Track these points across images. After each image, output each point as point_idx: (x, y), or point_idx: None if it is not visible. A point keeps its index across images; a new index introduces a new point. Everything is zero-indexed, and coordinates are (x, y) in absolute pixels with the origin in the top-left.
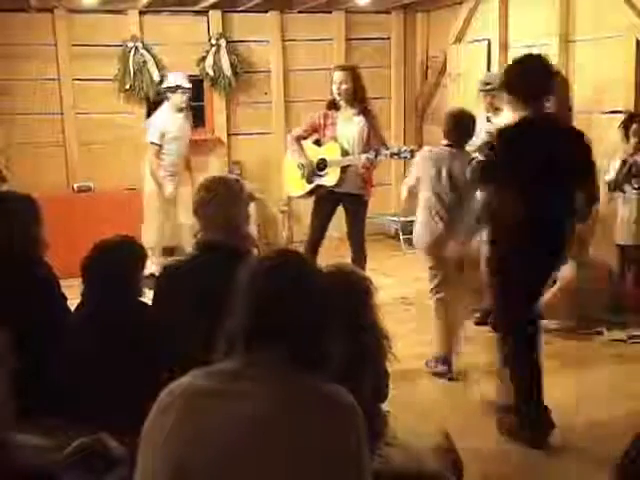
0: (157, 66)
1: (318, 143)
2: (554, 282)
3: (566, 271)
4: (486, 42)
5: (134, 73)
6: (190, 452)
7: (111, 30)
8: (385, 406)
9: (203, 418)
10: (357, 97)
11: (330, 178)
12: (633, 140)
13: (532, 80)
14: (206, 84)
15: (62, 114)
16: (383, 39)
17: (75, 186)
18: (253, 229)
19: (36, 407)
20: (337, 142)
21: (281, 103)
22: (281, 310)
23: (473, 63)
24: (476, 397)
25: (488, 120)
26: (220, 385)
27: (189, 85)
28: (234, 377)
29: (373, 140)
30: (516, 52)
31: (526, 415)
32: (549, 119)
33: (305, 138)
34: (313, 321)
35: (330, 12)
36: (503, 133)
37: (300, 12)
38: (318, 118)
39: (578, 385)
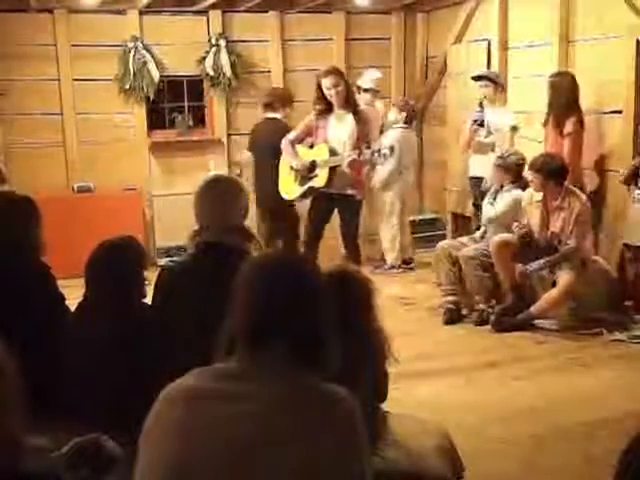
0: (157, 66)
1: (311, 146)
2: (554, 283)
3: (566, 272)
4: (486, 42)
5: (134, 73)
6: (191, 452)
7: (111, 30)
8: (385, 406)
9: (204, 418)
10: (349, 97)
11: (320, 179)
12: None
13: None
14: (206, 84)
15: (62, 114)
16: (383, 39)
17: (75, 186)
18: (253, 229)
19: (35, 406)
20: (326, 144)
21: None
22: (282, 310)
23: (473, 63)
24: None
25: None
26: (221, 385)
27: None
28: (235, 377)
29: (361, 139)
30: (516, 52)
31: None
32: None
33: (300, 142)
34: (313, 321)
35: (330, 12)
36: None
37: (300, 12)
38: (311, 121)
39: (578, 385)
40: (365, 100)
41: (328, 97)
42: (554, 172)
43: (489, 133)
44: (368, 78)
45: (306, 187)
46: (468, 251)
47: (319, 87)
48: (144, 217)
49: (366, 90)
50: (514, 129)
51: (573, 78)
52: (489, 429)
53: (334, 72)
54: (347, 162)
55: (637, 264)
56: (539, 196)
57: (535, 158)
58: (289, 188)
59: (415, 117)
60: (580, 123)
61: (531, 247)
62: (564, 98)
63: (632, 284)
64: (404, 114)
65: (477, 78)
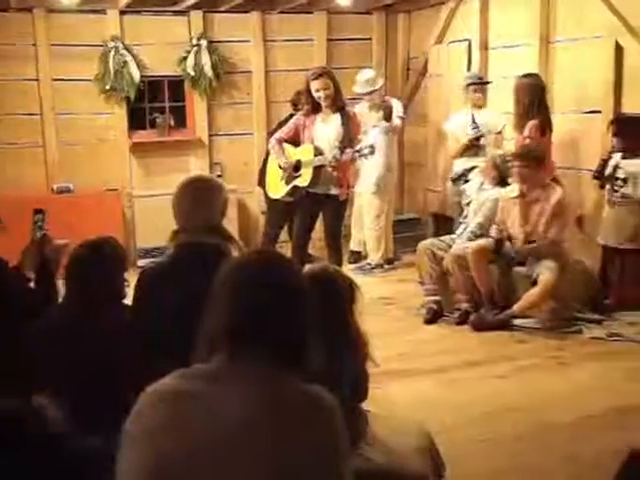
0: (138, 66)
1: (298, 145)
2: (535, 282)
3: (546, 271)
4: (466, 43)
5: (114, 73)
6: (171, 454)
7: (91, 30)
8: (365, 406)
9: (185, 420)
10: (337, 98)
11: (303, 179)
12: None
13: None
14: (187, 84)
15: (41, 114)
16: (364, 40)
17: (54, 187)
18: (233, 229)
19: None
20: (312, 143)
21: (262, 103)
22: (262, 311)
23: (454, 64)
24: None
25: (473, 120)
26: (201, 386)
27: (362, 90)
28: (216, 378)
29: (345, 139)
30: (496, 53)
31: None
32: None
33: (287, 141)
34: (295, 322)
35: (311, 12)
36: None
37: (281, 12)
38: (299, 120)
39: (559, 383)
40: (367, 102)
41: (316, 98)
42: (536, 159)
43: (481, 136)
44: (358, 82)
45: (291, 186)
46: (457, 250)
47: (308, 88)
48: (124, 218)
49: (362, 94)
50: (503, 128)
51: (529, 82)
52: (471, 428)
53: (324, 74)
54: (329, 162)
55: (615, 264)
56: (514, 192)
57: (517, 148)
58: (277, 187)
59: (391, 115)
60: (540, 128)
61: (506, 248)
62: (525, 101)
63: (613, 284)
64: (381, 112)
65: (470, 84)
